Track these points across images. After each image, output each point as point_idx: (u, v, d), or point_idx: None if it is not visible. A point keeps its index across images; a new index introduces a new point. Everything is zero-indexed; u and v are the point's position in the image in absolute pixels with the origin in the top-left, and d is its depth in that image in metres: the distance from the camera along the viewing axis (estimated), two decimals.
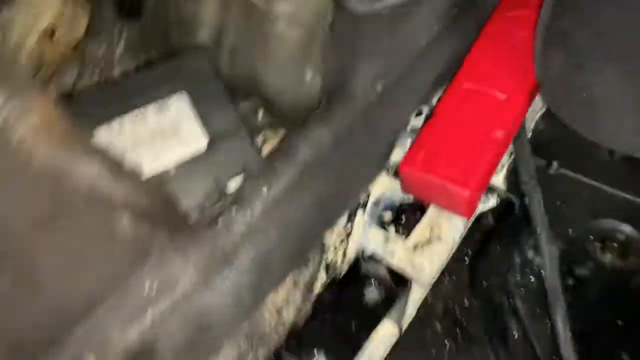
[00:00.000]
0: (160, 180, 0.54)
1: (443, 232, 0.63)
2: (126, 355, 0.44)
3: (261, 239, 0.51)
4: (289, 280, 0.56)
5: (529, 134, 0.65)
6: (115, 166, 0.41)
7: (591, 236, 0.62)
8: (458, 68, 0.63)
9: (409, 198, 0.64)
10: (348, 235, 0.63)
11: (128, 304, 0.44)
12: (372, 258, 0.58)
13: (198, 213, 0.51)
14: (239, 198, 0.51)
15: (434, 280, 0.63)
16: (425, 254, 0.62)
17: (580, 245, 0.62)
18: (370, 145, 0.61)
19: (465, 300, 0.79)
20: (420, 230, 0.63)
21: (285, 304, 0.55)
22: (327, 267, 0.62)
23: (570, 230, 0.62)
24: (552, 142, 0.65)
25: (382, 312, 0.51)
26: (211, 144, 0.58)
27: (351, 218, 0.63)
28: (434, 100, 0.65)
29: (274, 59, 0.62)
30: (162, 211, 0.47)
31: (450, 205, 0.61)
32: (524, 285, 0.65)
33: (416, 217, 0.63)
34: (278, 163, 0.53)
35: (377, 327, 0.50)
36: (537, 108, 0.66)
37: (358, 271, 0.55)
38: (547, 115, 0.65)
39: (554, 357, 0.60)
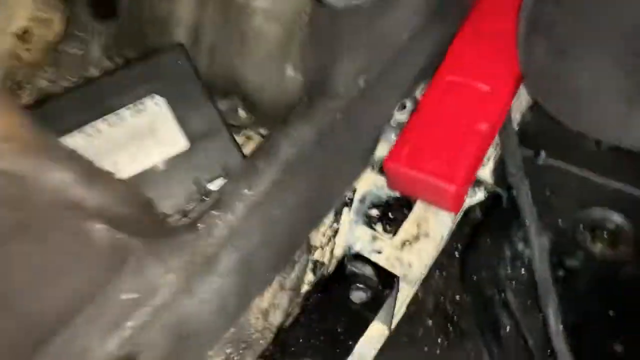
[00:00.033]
0: (137, 184, 0.52)
1: (431, 228, 0.63)
2: None
3: (244, 242, 0.50)
4: (274, 283, 0.55)
5: (516, 126, 0.65)
6: (88, 172, 0.39)
7: (581, 226, 0.61)
8: (441, 61, 0.62)
9: (396, 194, 0.64)
10: (334, 234, 0.62)
11: (106, 314, 0.43)
12: (358, 257, 0.57)
13: (178, 217, 0.50)
14: (220, 200, 0.50)
15: (423, 276, 0.63)
16: (413, 251, 0.62)
17: (570, 236, 0.62)
18: (353, 142, 0.61)
19: (456, 295, 0.78)
20: (408, 227, 0.62)
21: (272, 308, 0.54)
22: (314, 268, 0.61)
23: (559, 220, 0.62)
24: (540, 133, 0.64)
25: (369, 313, 0.50)
26: (190, 145, 0.57)
27: (337, 216, 0.62)
28: (418, 94, 0.64)
29: (253, 56, 0.61)
30: (139, 216, 0.45)
31: (436, 200, 0.60)
32: (514, 278, 0.64)
33: (403, 213, 0.63)
34: (260, 163, 0.52)
35: (365, 329, 0.49)
36: (524, 99, 0.65)
37: (344, 271, 0.54)
38: (534, 107, 0.65)
39: (546, 350, 0.59)
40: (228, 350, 0.53)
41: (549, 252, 0.60)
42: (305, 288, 0.60)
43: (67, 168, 0.37)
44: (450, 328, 0.77)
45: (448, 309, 0.78)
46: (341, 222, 0.62)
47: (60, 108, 0.58)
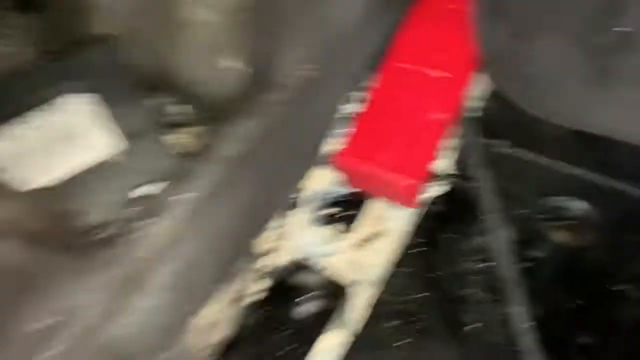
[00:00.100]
0: (52, 195, 0.48)
1: (388, 225, 0.61)
2: None
3: (180, 254, 0.47)
4: (215, 297, 0.51)
5: (475, 114, 0.63)
6: None
7: (543, 215, 0.61)
8: (390, 48, 0.60)
9: (349, 191, 0.62)
10: (281, 238, 0.59)
11: (18, 344, 0.38)
12: (306, 266, 0.54)
13: (102, 230, 0.45)
14: (152, 208, 0.46)
15: (384, 276, 0.61)
16: (371, 251, 0.60)
17: (532, 226, 0.61)
18: (300, 136, 0.58)
19: (419, 293, 0.77)
20: (364, 226, 0.61)
21: (213, 324, 0.50)
22: (258, 278, 0.58)
23: (521, 210, 0.62)
24: (500, 121, 0.64)
25: (317, 326, 0.47)
26: (119, 147, 0.53)
27: (284, 219, 0.60)
28: (368, 84, 0.62)
29: (185, 47, 0.58)
30: (56, 231, 0.41)
31: (392, 195, 0.59)
32: (478, 273, 0.64)
33: (358, 211, 0.61)
34: (197, 164, 0.49)
35: (312, 344, 0.45)
36: (483, 86, 0.64)
37: (289, 283, 0.50)
38: (494, 94, 0.64)
39: (513, 345, 0.59)
40: None
41: (511, 244, 0.59)
42: (248, 300, 0.57)
43: None
44: (415, 327, 0.76)
45: (411, 307, 0.76)
46: (289, 224, 0.59)
47: None
